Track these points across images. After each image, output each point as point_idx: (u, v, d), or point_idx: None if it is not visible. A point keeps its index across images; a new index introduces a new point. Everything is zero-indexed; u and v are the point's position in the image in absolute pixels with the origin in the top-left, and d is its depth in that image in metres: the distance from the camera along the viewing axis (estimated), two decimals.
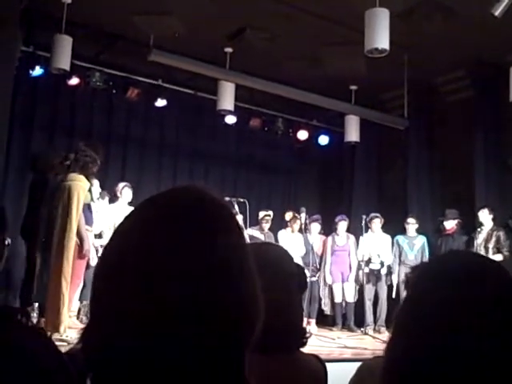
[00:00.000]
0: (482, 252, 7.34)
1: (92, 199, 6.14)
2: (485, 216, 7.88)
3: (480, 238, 7.83)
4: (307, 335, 1.50)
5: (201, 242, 0.80)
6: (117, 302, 0.78)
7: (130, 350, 0.76)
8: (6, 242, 1.17)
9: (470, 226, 8.10)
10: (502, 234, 7.73)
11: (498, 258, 7.33)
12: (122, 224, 0.87)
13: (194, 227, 0.81)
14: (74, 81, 8.47)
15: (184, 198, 0.86)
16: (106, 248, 0.85)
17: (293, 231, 8.86)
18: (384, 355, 0.94)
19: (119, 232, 0.86)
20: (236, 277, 0.81)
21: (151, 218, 0.84)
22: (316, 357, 1.56)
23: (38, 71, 8.23)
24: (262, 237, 8.44)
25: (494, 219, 7.88)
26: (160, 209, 0.85)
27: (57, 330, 5.24)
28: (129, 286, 0.78)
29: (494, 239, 7.72)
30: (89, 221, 5.93)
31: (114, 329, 0.77)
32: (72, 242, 5.55)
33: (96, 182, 6.81)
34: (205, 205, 0.85)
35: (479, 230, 7.88)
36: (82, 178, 5.75)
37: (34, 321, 5.54)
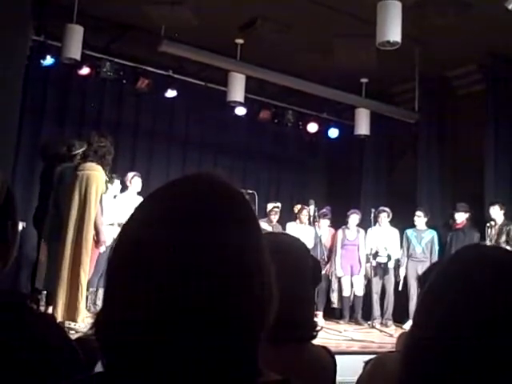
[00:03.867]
0: None
1: (106, 190, 6.12)
2: (496, 212, 7.87)
3: (492, 234, 7.82)
4: (318, 328, 1.50)
5: (218, 234, 0.79)
6: (129, 292, 0.78)
7: (142, 340, 0.75)
8: (21, 227, 1.18)
9: (480, 220, 8.07)
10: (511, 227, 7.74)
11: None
12: (135, 213, 0.85)
13: (211, 219, 0.80)
14: (85, 70, 8.48)
15: (203, 189, 0.84)
16: (120, 237, 0.84)
17: (301, 222, 8.85)
18: (406, 344, 0.93)
19: (133, 221, 0.85)
20: (251, 270, 0.80)
21: (167, 208, 0.82)
22: (325, 348, 1.57)
23: (48, 61, 8.25)
24: (270, 229, 8.41)
25: (505, 214, 7.86)
26: (176, 199, 0.83)
27: (74, 319, 5.27)
28: (141, 277, 0.77)
29: (504, 234, 7.72)
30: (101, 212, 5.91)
31: (126, 318, 0.77)
32: (91, 233, 5.51)
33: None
34: (223, 195, 0.84)
35: (489, 224, 7.86)
36: (99, 168, 5.68)
37: (42, 308, 5.57)
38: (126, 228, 0.84)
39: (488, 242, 7.62)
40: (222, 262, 0.78)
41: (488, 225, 7.87)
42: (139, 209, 0.86)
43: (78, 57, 7.38)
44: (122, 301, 0.78)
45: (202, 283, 0.76)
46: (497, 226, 7.85)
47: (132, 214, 0.85)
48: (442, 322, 0.88)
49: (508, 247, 7.56)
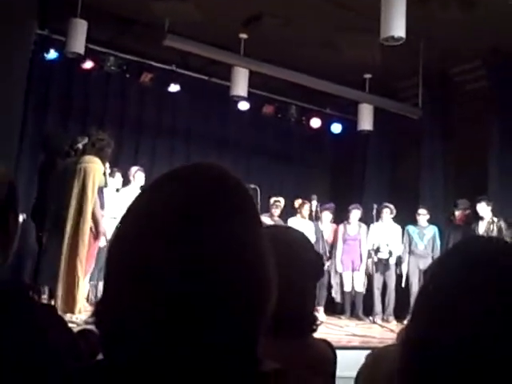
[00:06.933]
0: None
1: (106, 183, 6.13)
2: (483, 208, 7.78)
3: (481, 229, 7.76)
4: (318, 322, 1.51)
5: (216, 226, 0.79)
6: (127, 284, 0.78)
7: (140, 330, 0.76)
8: (21, 219, 1.20)
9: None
10: (502, 223, 7.64)
11: None
12: (133, 205, 0.84)
13: (210, 212, 0.80)
14: (89, 65, 8.50)
15: (202, 180, 0.83)
16: (119, 228, 0.83)
17: (303, 217, 8.83)
18: (403, 339, 0.94)
19: (130, 213, 0.84)
20: (251, 261, 0.80)
21: (165, 200, 0.81)
22: (326, 342, 1.58)
23: (52, 55, 8.27)
24: (272, 223, 8.43)
25: (492, 210, 7.76)
26: (174, 191, 0.82)
27: (72, 311, 5.30)
28: (139, 270, 0.77)
29: (495, 230, 7.65)
30: (101, 205, 5.93)
31: (124, 309, 0.77)
32: (87, 224, 5.55)
33: (107, 165, 6.80)
34: (222, 186, 0.83)
35: (480, 221, 7.81)
36: (97, 160, 5.74)
37: (45, 302, 5.59)
38: (124, 220, 0.84)
39: None
40: (222, 254, 0.78)
41: (480, 222, 7.81)
42: (137, 201, 0.85)
43: (81, 51, 7.39)
44: (121, 292, 0.78)
45: (200, 274, 0.76)
46: (485, 222, 7.80)
47: (130, 206, 0.84)
48: (436, 318, 0.89)
49: None
